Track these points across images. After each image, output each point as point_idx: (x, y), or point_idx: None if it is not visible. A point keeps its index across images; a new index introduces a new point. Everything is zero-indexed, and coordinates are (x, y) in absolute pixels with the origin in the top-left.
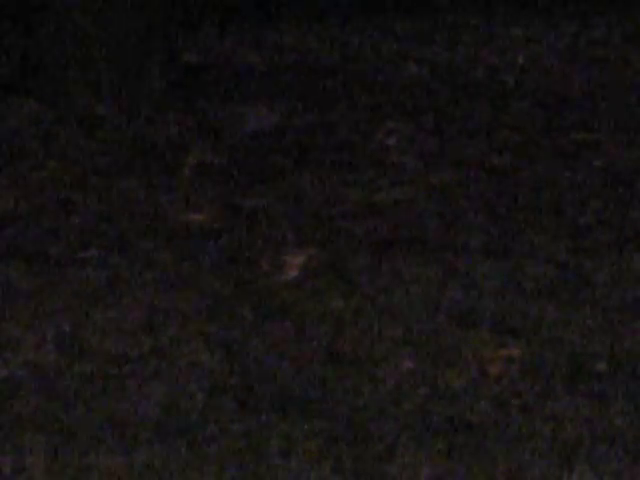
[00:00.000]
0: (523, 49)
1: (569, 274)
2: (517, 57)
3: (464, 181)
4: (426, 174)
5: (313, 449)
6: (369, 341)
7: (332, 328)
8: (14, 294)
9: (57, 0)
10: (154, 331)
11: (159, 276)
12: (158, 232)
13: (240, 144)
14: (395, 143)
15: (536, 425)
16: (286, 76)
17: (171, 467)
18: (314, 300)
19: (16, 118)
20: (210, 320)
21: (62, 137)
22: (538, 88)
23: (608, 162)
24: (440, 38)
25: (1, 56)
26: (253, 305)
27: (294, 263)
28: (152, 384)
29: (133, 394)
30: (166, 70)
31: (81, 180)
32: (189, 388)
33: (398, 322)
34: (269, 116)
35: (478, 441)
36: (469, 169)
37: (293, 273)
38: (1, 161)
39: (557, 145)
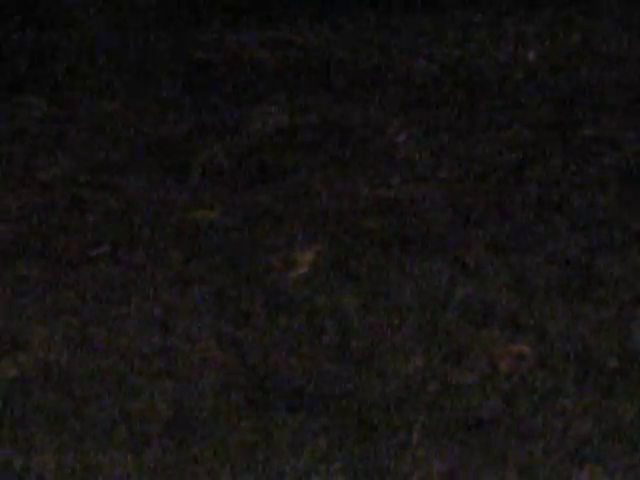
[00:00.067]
0: (533, 45)
1: (579, 271)
2: (527, 54)
3: (474, 178)
4: (436, 171)
5: (323, 446)
6: (379, 338)
7: (342, 324)
8: (25, 292)
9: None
10: (165, 328)
11: (169, 273)
12: (168, 229)
13: (250, 141)
14: (405, 140)
15: (547, 421)
16: (295, 73)
17: (181, 464)
18: (324, 297)
19: (26, 117)
20: (220, 317)
21: (72, 135)
22: (548, 84)
23: (618, 158)
24: (450, 35)
25: (11, 55)
26: (263, 302)
27: (304, 260)
28: (163, 381)
29: (143, 391)
30: (175, 67)
31: (91, 178)
32: (199, 385)
33: (408, 319)
34: (276, 115)
35: (489, 437)
36: (479, 166)
37: (303, 270)
38: (12, 160)
39: (567, 141)
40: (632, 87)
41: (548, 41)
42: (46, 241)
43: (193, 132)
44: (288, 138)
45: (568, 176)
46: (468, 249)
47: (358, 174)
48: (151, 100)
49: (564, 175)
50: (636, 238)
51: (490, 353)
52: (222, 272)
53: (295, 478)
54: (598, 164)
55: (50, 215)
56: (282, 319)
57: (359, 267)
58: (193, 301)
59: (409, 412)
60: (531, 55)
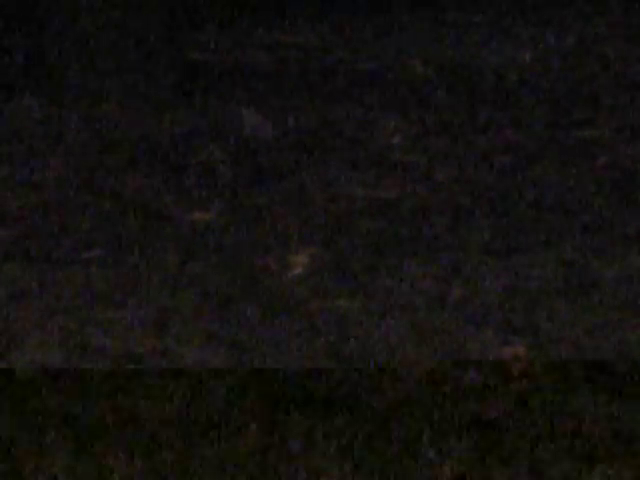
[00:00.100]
0: (528, 47)
1: (575, 272)
2: (522, 55)
3: (469, 179)
4: (431, 172)
5: (334, 448)
6: (374, 340)
7: (337, 326)
8: (20, 294)
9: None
10: (160, 330)
11: (165, 275)
12: (163, 231)
13: (245, 143)
14: (399, 141)
15: (554, 423)
16: (292, 74)
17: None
18: (319, 298)
19: (21, 117)
20: (216, 319)
21: (67, 136)
22: (543, 86)
23: (613, 160)
24: (446, 36)
25: (7, 55)
26: (258, 304)
27: (299, 262)
28: (158, 384)
29: (139, 393)
30: (172, 69)
31: (86, 179)
32: (197, 387)
33: (403, 321)
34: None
35: (499, 439)
36: (474, 167)
37: (298, 271)
38: (6, 160)
39: (562, 143)
40: (627, 88)
41: (544, 42)
42: (41, 242)
43: (189, 133)
44: (283, 140)
45: (564, 178)
46: (464, 251)
47: (353, 176)
48: (147, 101)
49: (560, 177)
50: (633, 240)
51: (485, 355)
52: (218, 273)
53: None
54: (593, 165)
55: (45, 216)
56: (278, 321)
57: (355, 269)
58: (188, 303)
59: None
60: (527, 56)
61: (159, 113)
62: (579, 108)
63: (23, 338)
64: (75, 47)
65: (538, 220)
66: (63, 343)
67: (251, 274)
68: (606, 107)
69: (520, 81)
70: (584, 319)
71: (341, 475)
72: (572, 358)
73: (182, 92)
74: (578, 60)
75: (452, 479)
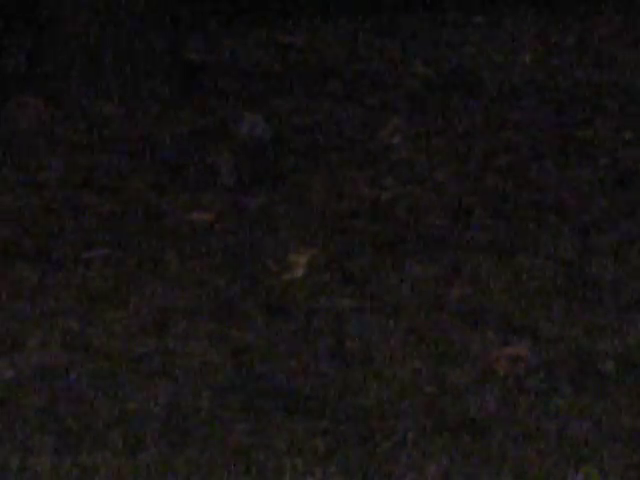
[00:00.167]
0: (529, 48)
1: (575, 272)
2: (523, 56)
3: (470, 179)
4: (432, 172)
5: (319, 448)
6: (375, 339)
7: (338, 326)
8: (20, 294)
9: (64, 0)
10: (160, 330)
11: (165, 275)
12: (164, 232)
13: (245, 144)
14: (400, 141)
15: (543, 423)
16: (291, 75)
17: (177, 466)
18: (320, 298)
19: (22, 118)
20: (216, 319)
21: (68, 137)
22: (544, 87)
23: (614, 160)
24: (446, 37)
25: (8, 56)
26: (259, 304)
27: (299, 262)
28: (158, 383)
29: (139, 393)
30: (171, 70)
31: (87, 180)
32: (195, 387)
33: (404, 320)
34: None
35: (484, 439)
36: (475, 167)
37: (298, 272)
38: (7, 160)
39: (563, 143)
40: (627, 89)
41: (544, 43)
42: (42, 243)
43: (189, 134)
44: (284, 140)
45: (564, 178)
46: (464, 251)
47: (354, 176)
48: (147, 102)
49: (560, 177)
50: (632, 240)
51: (486, 355)
52: (218, 274)
53: None
54: (594, 166)
55: (46, 217)
56: (278, 321)
57: (355, 269)
58: (188, 303)
59: (405, 414)
60: (527, 57)
61: (159, 113)
62: (578, 109)
63: (23, 338)
64: (75, 47)
65: (538, 220)
66: (63, 343)
67: (252, 275)
68: (604, 108)
69: (520, 82)
70: (583, 319)
71: (326, 475)
72: (569, 358)
73: (182, 92)
74: (577, 61)
75: (437, 479)
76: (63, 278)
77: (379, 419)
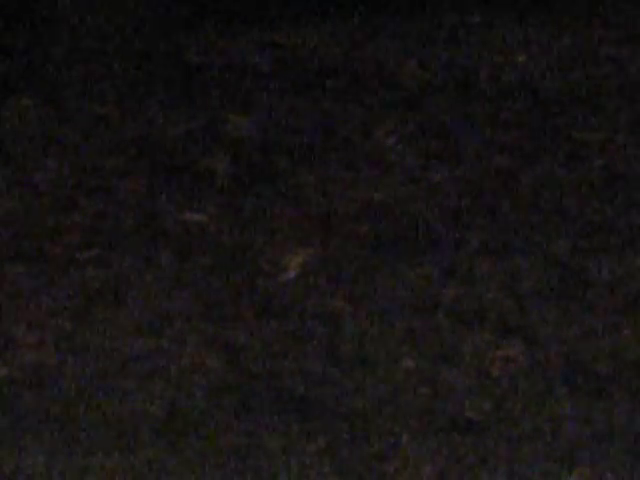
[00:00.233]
0: (524, 48)
1: (569, 274)
2: (518, 56)
3: (464, 180)
4: (426, 173)
5: (313, 448)
6: (369, 340)
7: (332, 327)
8: (15, 294)
9: (60, 0)
10: (155, 331)
11: (160, 276)
12: (159, 232)
13: (240, 144)
14: (395, 142)
15: (537, 425)
16: (288, 76)
17: (171, 467)
18: (314, 300)
19: (17, 118)
20: (210, 320)
21: (64, 137)
22: (539, 87)
23: (609, 161)
24: (441, 37)
25: (3, 56)
26: (253, 305)
27: (294, 263)
28: (152, 384)
29: (134, 394)
30: (168, 71)
31: (82, 180)
32: (190, 388)
33: (398, 321)
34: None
35: (479, 440)
36: (469, 168)
37: (293, 273)
38: (3, 161)
39: (558, 144)
40: (622, 90)
41: (538, 44)
42: (37, 243)
43: (185, 135)
44: (278, 141)
45: (559, 179)
46: (459, 252)
47: (348, 177)
48: (144, 103)
49: (555, 178)
50: (627, 242)
51: (480, 356)
52: (212, 275)
53: None
54: (588, 167)
55: (41, 217)
56: (272, 322)
57: (349, 270)
58: (183, 304)
59: (400, 414)
60: (521, 58)
61: (156, 115)
62: (572, 110)
63: (18, 339)
64: (75, 47)
65: (533, 221)
66: (57, 344)
67: (246, 276)
68: (602, 109)
69: (514, 82)
70: (578, 320)
71: (320, 476)
72: (563, 359)
73: (179, 94)
74: (572, 62)
75: None
76: (58, 278)
77: (374, 420)
